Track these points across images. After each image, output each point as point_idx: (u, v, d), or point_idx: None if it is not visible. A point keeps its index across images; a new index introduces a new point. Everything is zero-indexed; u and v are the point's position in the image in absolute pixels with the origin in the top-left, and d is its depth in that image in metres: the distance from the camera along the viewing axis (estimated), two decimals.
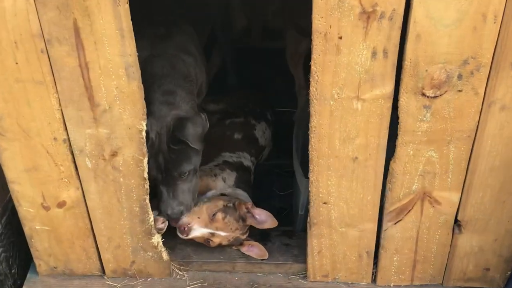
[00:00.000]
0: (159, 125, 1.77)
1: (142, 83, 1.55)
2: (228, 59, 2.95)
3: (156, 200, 1.94)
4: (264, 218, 1.94)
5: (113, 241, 1.87)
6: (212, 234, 1.90)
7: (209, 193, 2.07)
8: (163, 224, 1.89)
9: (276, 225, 1.92)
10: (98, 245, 1.89)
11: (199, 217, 1.89)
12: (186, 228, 1.86)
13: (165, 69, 1.87)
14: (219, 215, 1.89)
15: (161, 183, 1.85)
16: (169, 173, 1.82)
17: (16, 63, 1.49)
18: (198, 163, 1.89)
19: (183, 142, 1.77)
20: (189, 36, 2.12)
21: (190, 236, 1.89)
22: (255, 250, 1.98)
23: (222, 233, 1.91)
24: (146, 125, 1.63)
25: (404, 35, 1.43)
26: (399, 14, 1.38)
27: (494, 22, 1.38)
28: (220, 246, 1.95)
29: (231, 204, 1.94)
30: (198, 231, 1.88)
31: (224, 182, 2.14)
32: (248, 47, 3.22)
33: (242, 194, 2.11)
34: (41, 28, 1.44)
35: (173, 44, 2.00)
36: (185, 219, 1.87)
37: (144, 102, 1.59)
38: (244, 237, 1.97)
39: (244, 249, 2.00)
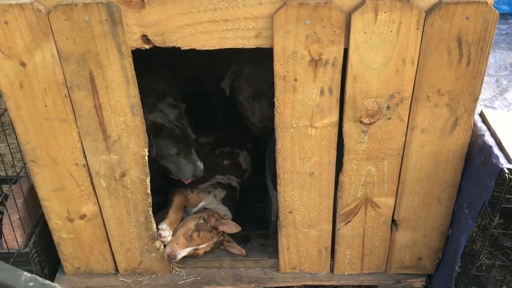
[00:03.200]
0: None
1: None
2: (219, 106, 2.87)
3: (160, 214, 1.91)
4: (230, 225, 1.92)
5: (124, 245, 1.85)
6: (196, 249, 1.89)
7: (193, 210, 2.05)
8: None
9: (239, 229, 1.90)
10: (113, 249, 1.86)
11: (177, 243, 1.86)
12: (172, 256, 1.85)
13: None
14: (194, 235, 1.87)
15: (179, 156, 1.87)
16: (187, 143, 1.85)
17: (45, 106, 1.49)
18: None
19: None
20: None
21: (179, 258, 1.87)
22: (235, 249, 1.96)
23: (202, 245, 1.89)
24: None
25: (344, 77, 1.43)
26: (339, 61, 1.40)
27: (412, 65, 1.39)
28: (207, 252, 1.93)
29: (202, 220, 1.91)
30: (183, 252, 1.86)
31: (214, 197, 2.11)
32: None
33: (221, 209, 2.06)
34: (65, 78, 1.44)
35: None
36: (168, 250, 1.85)
37: (146, 133, 1.57)
38: (222, 238, 1.94)
39: (226, 247, 1.98)
